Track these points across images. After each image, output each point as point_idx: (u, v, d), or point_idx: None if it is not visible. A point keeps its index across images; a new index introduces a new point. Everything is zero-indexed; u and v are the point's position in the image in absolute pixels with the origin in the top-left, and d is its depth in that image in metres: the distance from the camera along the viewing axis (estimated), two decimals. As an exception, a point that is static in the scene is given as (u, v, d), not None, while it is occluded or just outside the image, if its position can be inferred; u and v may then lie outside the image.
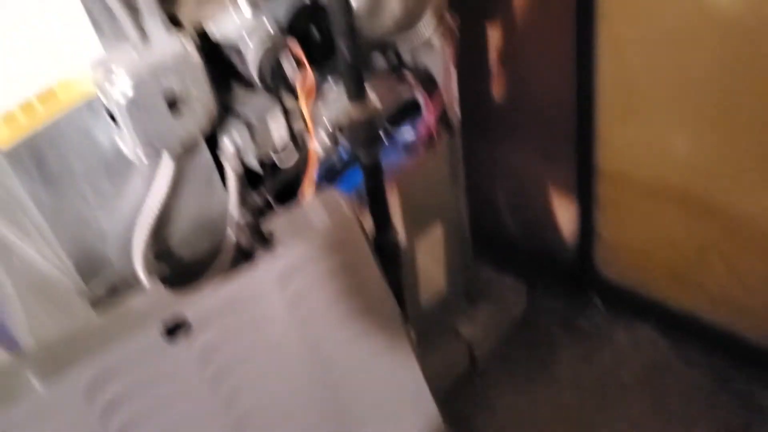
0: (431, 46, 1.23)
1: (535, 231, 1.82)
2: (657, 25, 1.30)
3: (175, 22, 0.95)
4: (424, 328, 1.51)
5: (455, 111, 1.48)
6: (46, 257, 1.06)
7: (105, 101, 0.90)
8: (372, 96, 1.26)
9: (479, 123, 1.71)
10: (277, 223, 0.94)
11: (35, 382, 0.75)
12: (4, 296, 1.43)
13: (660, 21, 1.29)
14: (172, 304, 0.80)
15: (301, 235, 0.89)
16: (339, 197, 0.97)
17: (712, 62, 1.27)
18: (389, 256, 1.06)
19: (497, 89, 1.65)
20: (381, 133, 0.96)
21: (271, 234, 0.90)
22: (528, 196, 1.77)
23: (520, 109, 1.64)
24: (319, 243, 0.87)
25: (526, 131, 1.67)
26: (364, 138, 0.93)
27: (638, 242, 1.64)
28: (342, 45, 0.85)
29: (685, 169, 1.44)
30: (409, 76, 1.35)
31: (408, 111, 1.39)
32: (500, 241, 1.89)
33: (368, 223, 1.20)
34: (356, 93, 0.91)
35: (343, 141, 1.16)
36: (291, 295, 0.84)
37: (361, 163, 0.99)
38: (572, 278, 1.80)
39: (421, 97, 1.36)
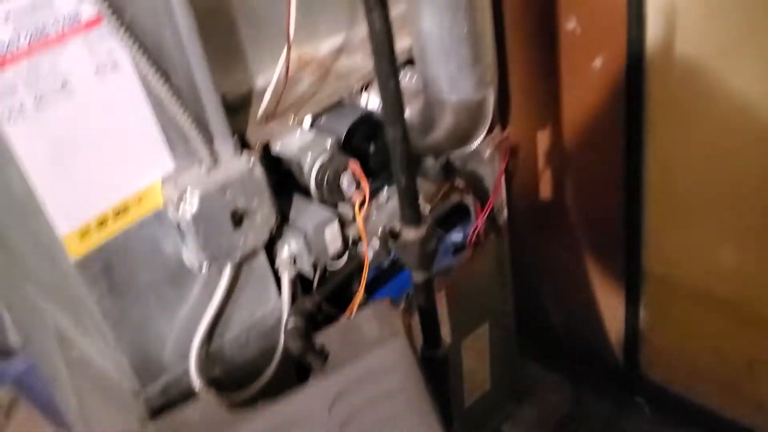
0: (482, 155, 1.27)
1: (582, 330, 1.81)
2: (704, 139, 1.32)
3: (243, 140, 1.00)
4: (468, 428, 1.51)
5: (503, 213, 1.51)
6: (103, 355, 1.10)
7: (173, 215, 0.94)
8: (421, 201, 1.30)
9: (528, 220, 1.73)
10: (330, 336, 0.96)
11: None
12: (59, 380, 1.48)
13: (707, 135, 1.31)
14: (226, 423, 0.82)
15: (353, 352, 0.91)
16: (390, 309, 0.99)
17: (759, 176, 1.28)
18: (437, 369, 1.08)
19: (546, 188, 1.67)
20: (435, 254, 0.98)
21: (323, 349, 0.92)
22: (575, 294, 1.77)
23: (569, 208, 1.66)
24: (370, 363, 0.88)
25: (574, 230, 1.69)
26: (417, 259, 0.96)
27: (685, 347, 1.62)
28: (399, 174, 0.89)
29: (733, 279, 1.44)
30: (459, 181, 1.38)
31: (457, 213, 1.42)
32: (546, 338, 1.89)
33: (417, 326, 1.22)
34: (411, 218, 0.94)
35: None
36: (340, 418, 0.86)
37: (412, 281, 1.01)
38: (618, 379, 1.78)
39: (470, 203, 1.39)
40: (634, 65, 1.34)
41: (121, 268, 0.95)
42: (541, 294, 1.85)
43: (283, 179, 1.12)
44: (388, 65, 0.80)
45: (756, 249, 1.37)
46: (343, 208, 1.18)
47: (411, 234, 0.94)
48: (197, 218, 0.92)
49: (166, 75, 0.87)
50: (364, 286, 1.14)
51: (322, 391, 0.85)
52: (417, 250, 0.95)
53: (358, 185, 1.07)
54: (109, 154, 0.88)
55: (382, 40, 0.78)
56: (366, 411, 0.86)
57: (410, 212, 0.92)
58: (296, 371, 1.13)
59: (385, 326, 0.97)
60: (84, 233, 0.89)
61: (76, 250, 0.89)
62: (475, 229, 1.39)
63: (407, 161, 0.88)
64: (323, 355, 0.91)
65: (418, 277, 0.99)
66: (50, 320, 1.25)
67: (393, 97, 0.82)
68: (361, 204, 1.07)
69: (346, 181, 1.05)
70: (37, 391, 1.81)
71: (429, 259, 0.96)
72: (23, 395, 1.94)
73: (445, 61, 1.06)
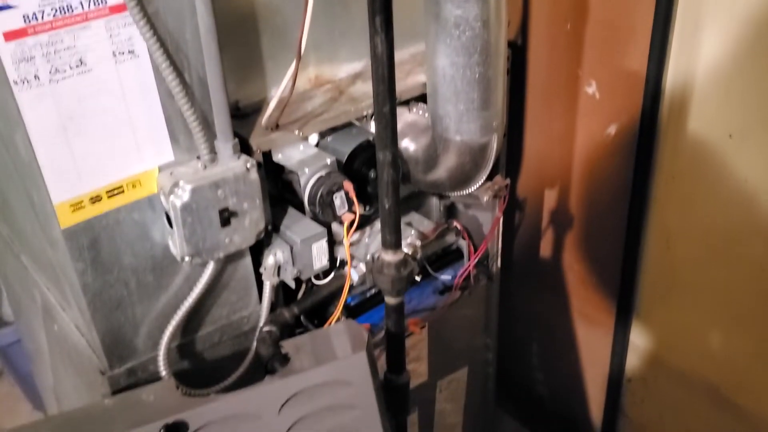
0: (481, 200, 1.29)
1: (563, 393, 1.80)
2: (706, 219, 1.32)
3: (244, 144, 1.03)
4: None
5: (497, 261, 1.52)
6: (80, 330, 1.13)
7: (164, 203, 0.98)
8: (416, 238, 1.32)
9: (524, 275, 1.73)
10: (299, 344, 0.98)
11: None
12: (40, 355, 1.51)
13: (709, 216, 1.32)
14: (178, 407, 0.84)
15: (316, 360, 0.93)
16: (362, 330, 1.00)
17: (755, 264, 1.28)
18: (397, 399, 1.09)
19: (547, 246, 1.68)
20: (409, 281, 1.00)
21: (287, 356, 0.94)
22: (560, 356, 1.76)
23: (566, 269, 1.67)
24: (329, 373, 0.90)
25: (568, 292, 1.69)
26: (391, 282, 0.98)
27: (664, 427, 1.60)
28: (384, 197, 0.91)
29: (718, 364, 1.42)
30: (456, 224, 1.41)
31: (451, 255, 1.44)
32: (526, 395, 1.87)
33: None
34: (390, 242, 0.96)
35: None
36: (289, 419, 0.87)
37: (385, 302, 1.03)
38: (594, 449, 1.75)
39: (465, 246, 1.41)
40: (646, 137, 1.36)
41: (107, 246, 0.98)
42: (527, 350, 1.84)
43: (283, 191, 1.16)
44: (386, 90, 0.82)
45: (744, 336, 1.36)
46: (337, 229, 1.20)
47: (388, 257, 0.96)
48: (186, 209, 0.95)
49: (179, 70, 0.92)
50: (342, 304, 1.16)
51: (276, 390, 0.87)
52: (392, 273, 0.96)
53: (351, 206, 1.10)
54: (113, 136, 0.92)
55: (383, 63, 0.81)
56: (316, 418, 0.88)
57: (390, 237, 0.95)
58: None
59: (355, 343, 0.98)
60: (76, 205, 0.93)
61: (66, 220, 0.93)
62: (465, 271, 1.40)
63: (394, 186, 0.90)
64: (286, 358, 0.93)
65: (390, 300, 1.01)
66: (38, 294, 1.28)
67: (387, 121, 0.85)
68: (350, 224, 1.10)
69: (338, 200, 1.08)
70: (20, 365, 1.85)
71: (402, 284, 0.98)
72: (7, 367, 1.97)
73: (455, 101, 1.09)
